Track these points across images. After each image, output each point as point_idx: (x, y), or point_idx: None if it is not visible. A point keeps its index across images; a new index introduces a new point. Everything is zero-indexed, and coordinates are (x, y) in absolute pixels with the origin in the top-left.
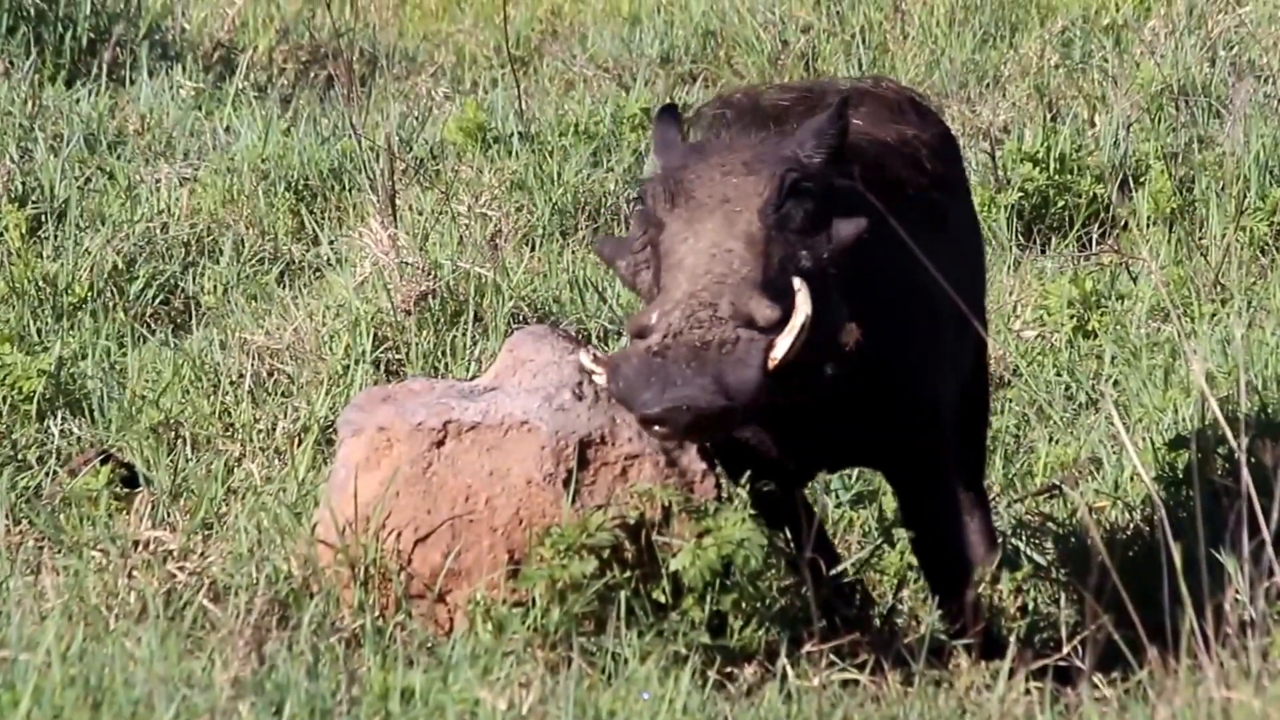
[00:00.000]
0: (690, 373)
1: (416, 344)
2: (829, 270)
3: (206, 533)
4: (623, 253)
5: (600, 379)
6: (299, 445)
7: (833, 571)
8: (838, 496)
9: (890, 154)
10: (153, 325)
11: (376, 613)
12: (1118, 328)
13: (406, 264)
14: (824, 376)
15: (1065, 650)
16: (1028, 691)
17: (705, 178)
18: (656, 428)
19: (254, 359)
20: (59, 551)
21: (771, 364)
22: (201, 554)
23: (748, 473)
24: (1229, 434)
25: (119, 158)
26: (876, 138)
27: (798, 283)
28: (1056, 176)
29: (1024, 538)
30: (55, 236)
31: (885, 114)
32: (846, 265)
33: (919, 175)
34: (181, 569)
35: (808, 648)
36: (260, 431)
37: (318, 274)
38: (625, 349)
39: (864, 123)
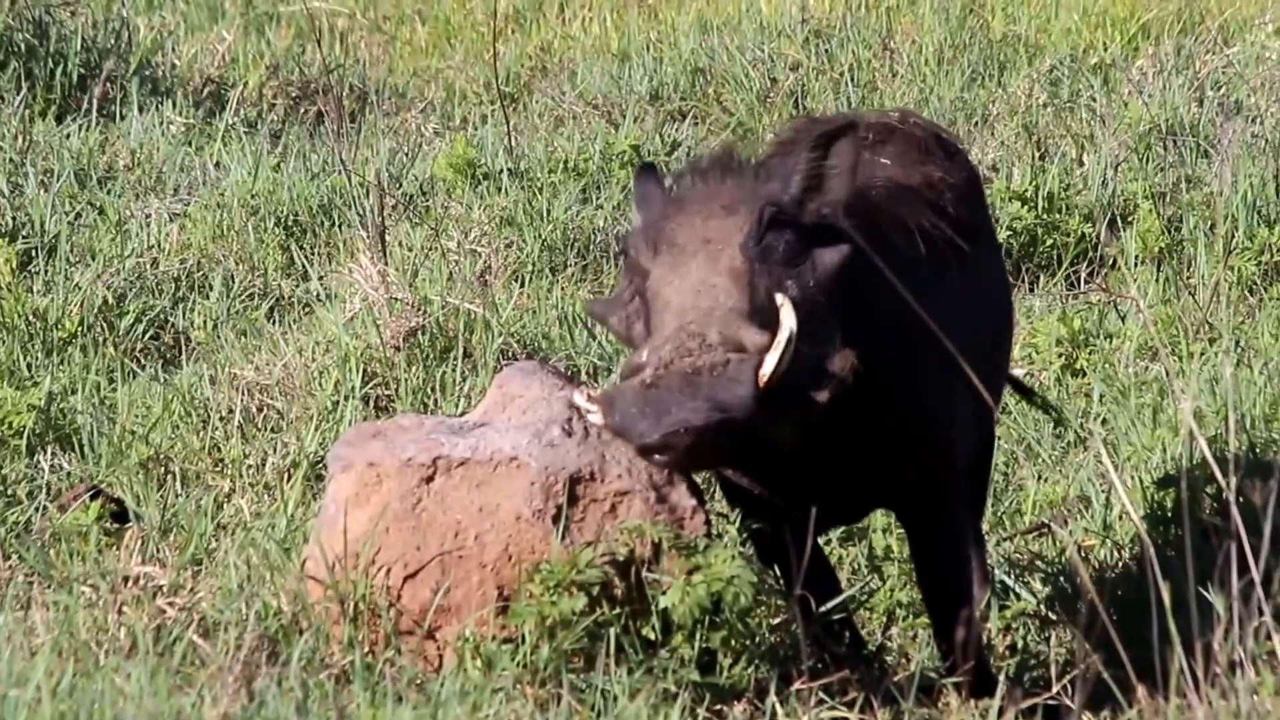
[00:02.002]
0: (684, 397)
1: (406, 380)
2: (817, 298)
3: (196, 568)
4: (614, 309)
5: (595, 417)
6: (288, 481)
7: (825, 607)
8: (827, 534)
9: (916, 200)
10: (143, 360)
11: (366, 649)
12: (1106, 366)
13: (396, 300)
14: (817, 404)
15: (1055, 689)
16: None
17: (686, 224)
18: (657, 456)
19: (244, 394)
20: (49, 587)
21: (762, 380)
22: (191, 590)
23: (747, 509)
24: (1218, 473)
25: (109, 193)
26: (903, 183)
27: (780, 298)
28: (1045, 215)
29: (1013, 576)
30: (45, 271)
31: (914, 154)
32: (836, 293)
33: (944, 221)
34: (171, 605)
35: (797, 685)
36: (250, 467)
37: (307, 309)
38: (619, 384)
39: (891, 162)
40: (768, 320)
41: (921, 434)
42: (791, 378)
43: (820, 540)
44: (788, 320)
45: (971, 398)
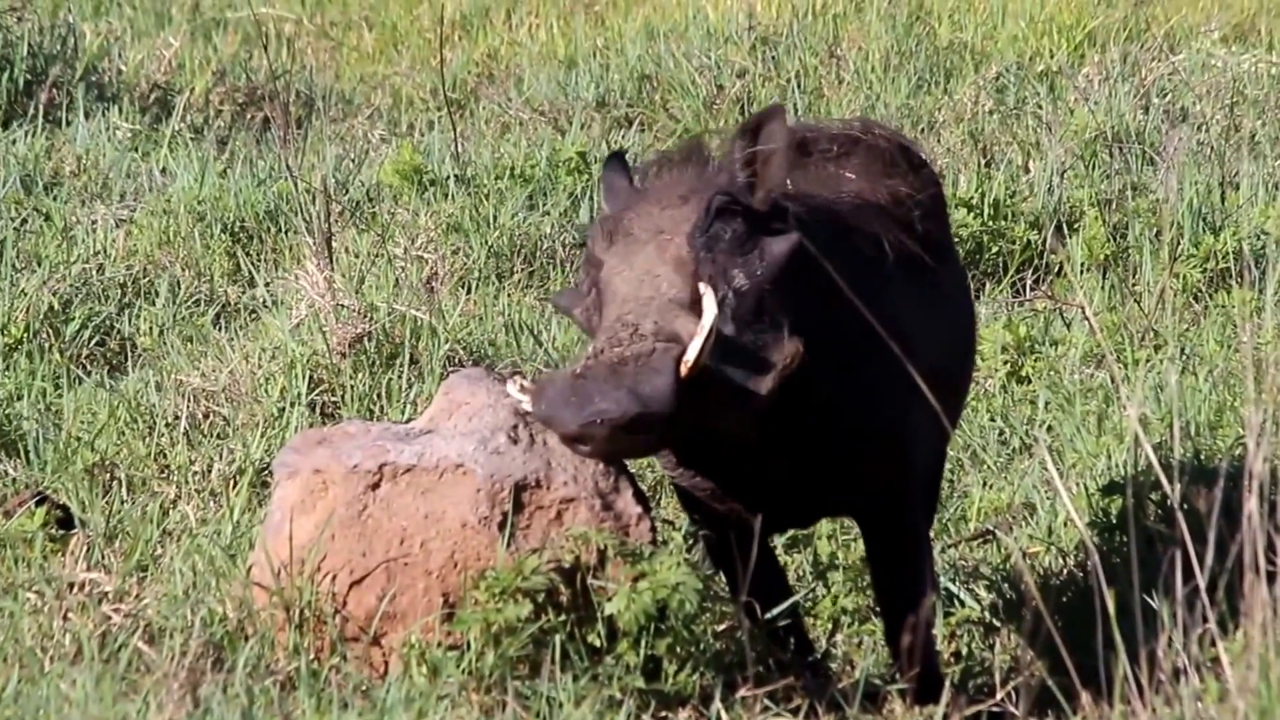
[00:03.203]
0: (607, 387)
1: (352, 386)
2: (764, 287)
3: (141, 575)
4: (577, 301)
5: (526, 404)
6: (234, 487)
7: (768, 615)
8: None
9: (882, 217)
10: (88, 366)
11: (311, 655)
12: (1051, 373)
13: (342, 306)
14: (759, 395)
15: (999, 696)
16: None
17: (643, 214)
18: (580, 445)
19: (190, 401)
20: None
21: (684, 369)
22: (137, 596)
23: (703, 514)
24: (1163, 480)
25: (55, 199)
26: (869, 199)
27: (703, 287)
28: (991, 222)
29: (958, 582)
30: None
31: (879, 167)
32: (785, 283)
33: (911, 238)
34: (116, 611)
35: (742, 692)
36: (196, 473)
37: (253, 316)
38: (550, 373)
39: (857, 176)
40: None
41: (879, 440)
42: (729, 368)
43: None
44: (709, 309)
45: (931, 408)
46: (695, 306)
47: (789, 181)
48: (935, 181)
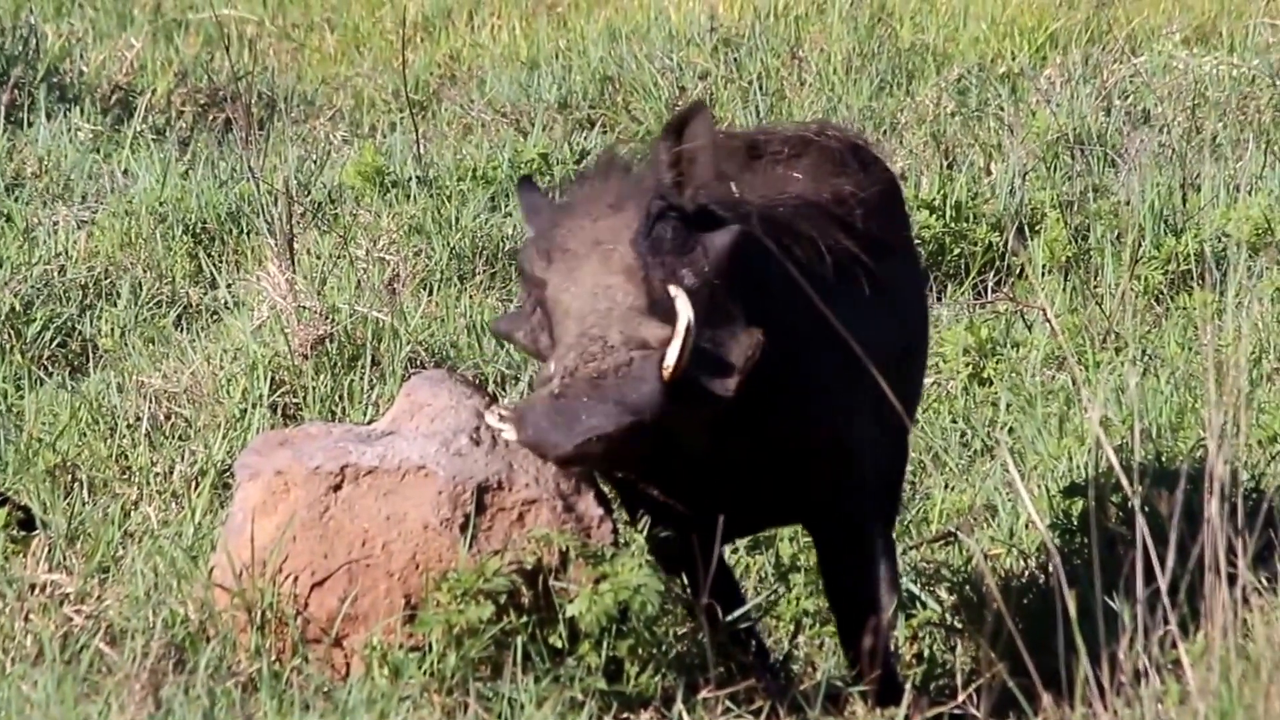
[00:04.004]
0: (592, 403)
1: (314, 388)
2: (714, 282)
3: (103, 576)
4: (519, 324)
5: (510, 434)
6: (196, 489)
7: (729, 617)
8: (734, 542)
9: (823, 216)
10: (50, 368)
11: (273, 657)
12: (1013, 375)
13: (304, 308)
14: (726, 393)
15: (961, 698)
16: None
17: (576, 229)
18: (574, 466)
19: (151, 402)
20: None
21: (667, 373)
22: (98, 597)
23: (647, 518)
24: (1124, 482)
25: (16, 200)
26: (810, 199)
27: (675, 290)
28: (952, 224)
29: (920, 585)
30: None
31: (827, 168)
32: (733, 276)
33: (852, 238)
34: (78, 612)
35: (704, 694)
36: (157, 475)
37: (215, 317)
38: (528, 398)
39: (804, 176)
40: (667, 313)
41: (824, 443)
42: (697, 368)
43: (727, 549)
44: (684, 311)
45: (879, 410)
46: (654, 311)
47: (734, 186)
48: (886, 180)
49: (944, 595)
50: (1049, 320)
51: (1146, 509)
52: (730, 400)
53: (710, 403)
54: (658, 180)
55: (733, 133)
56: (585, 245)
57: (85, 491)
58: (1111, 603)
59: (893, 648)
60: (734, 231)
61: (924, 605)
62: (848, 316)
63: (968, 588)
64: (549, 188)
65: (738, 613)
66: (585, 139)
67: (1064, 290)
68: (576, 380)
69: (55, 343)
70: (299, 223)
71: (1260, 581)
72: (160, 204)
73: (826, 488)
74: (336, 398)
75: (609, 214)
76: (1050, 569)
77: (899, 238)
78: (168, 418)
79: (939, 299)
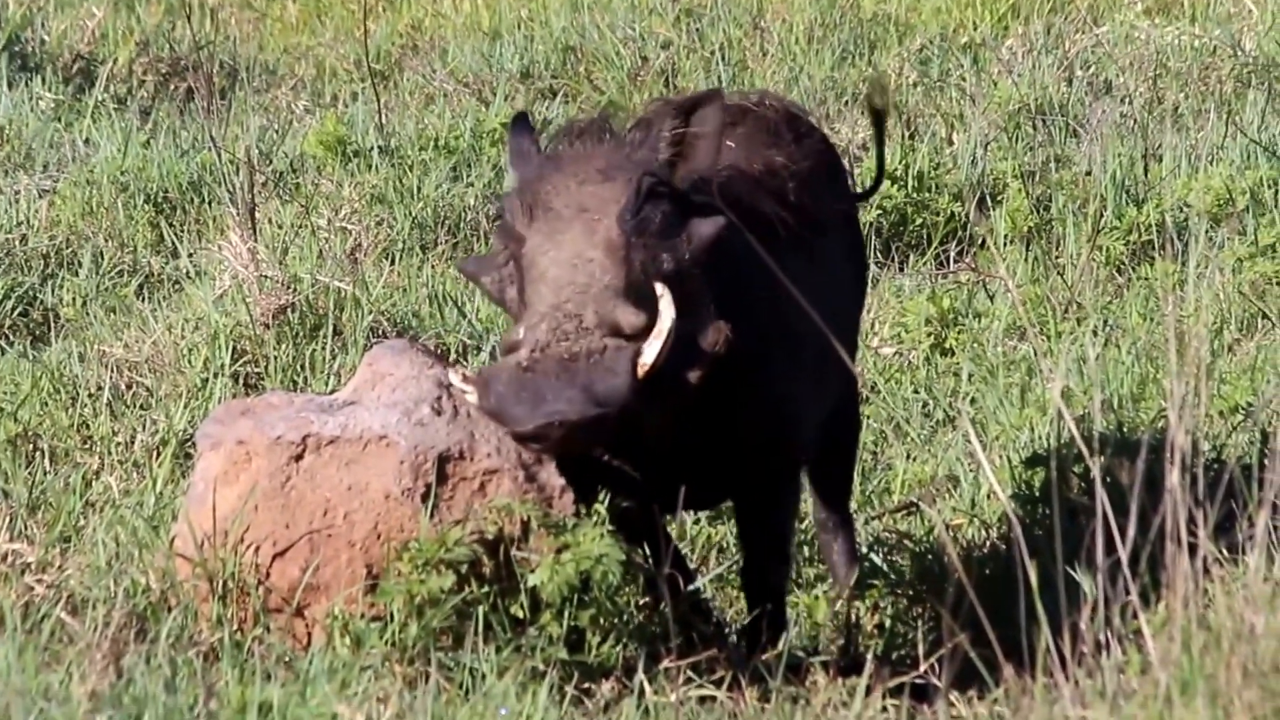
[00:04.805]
0: (560, 385)
1: (275, 357)
2: (692, 270)
3: (64, 545)
4: (487, 269)
5: (471, 397)
6: (157, 458)
7: (690, 587)
8: (695, 512)
9: (754, 188)
10: (11, 337)
11: (235, 626)
12: (975, 346)
13: (266, 277)
14: (691, 385)
15: (922, 668)
16: (884, 709)
17: (562, 188)
18: (531, 443)
19: (113, 372)
20: None
21: (641, 371)
22: (59, 567)
23: (604, 490)
24: (1085, 452)
25: None
26: (743, 171)
27: (660, 288)
28: (914, 194)
29: (881, 555)
30: None
31: (761, 137)
32: (709, 265)
33: (783, 210)
34: (39, 582)
35: (665, 664)
36: (119, 444)
37: (177, 287)
38: (495, 365)
39: (738, 146)
40: (643, 297)
41: (761, 417)
42: (666, 361)
43: (688, 517)
44: (667, 311)
45: (817, 381)
46: (631, 294)
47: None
48: (820, 151)
49: (906, 565)
50: (1010, 290)
51: (1108, 479)
52: (692, 389)
53: (675, 394)
54: (652, 155)
55: (673, 99)
56: (570, 209)
57: (46, 461)
58: (1073, 573)
59: (854, 619)
60: (719, 222)
61: (885, 575)
62: (777, 287)
63: (929, 558)
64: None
65: (699, 582)
66: (548, 109)
67: (1026, 260)
68: (547, 357)
69: (16, 312)
70: (261, 192)
71: (1221, 552)
72: (122, 173)
73: (759, 462)
74: (298, 367)
75: (598, 180)
76: (1012, 539)
77: (832, 211)
78: (129, 387)
79: (901, 269)
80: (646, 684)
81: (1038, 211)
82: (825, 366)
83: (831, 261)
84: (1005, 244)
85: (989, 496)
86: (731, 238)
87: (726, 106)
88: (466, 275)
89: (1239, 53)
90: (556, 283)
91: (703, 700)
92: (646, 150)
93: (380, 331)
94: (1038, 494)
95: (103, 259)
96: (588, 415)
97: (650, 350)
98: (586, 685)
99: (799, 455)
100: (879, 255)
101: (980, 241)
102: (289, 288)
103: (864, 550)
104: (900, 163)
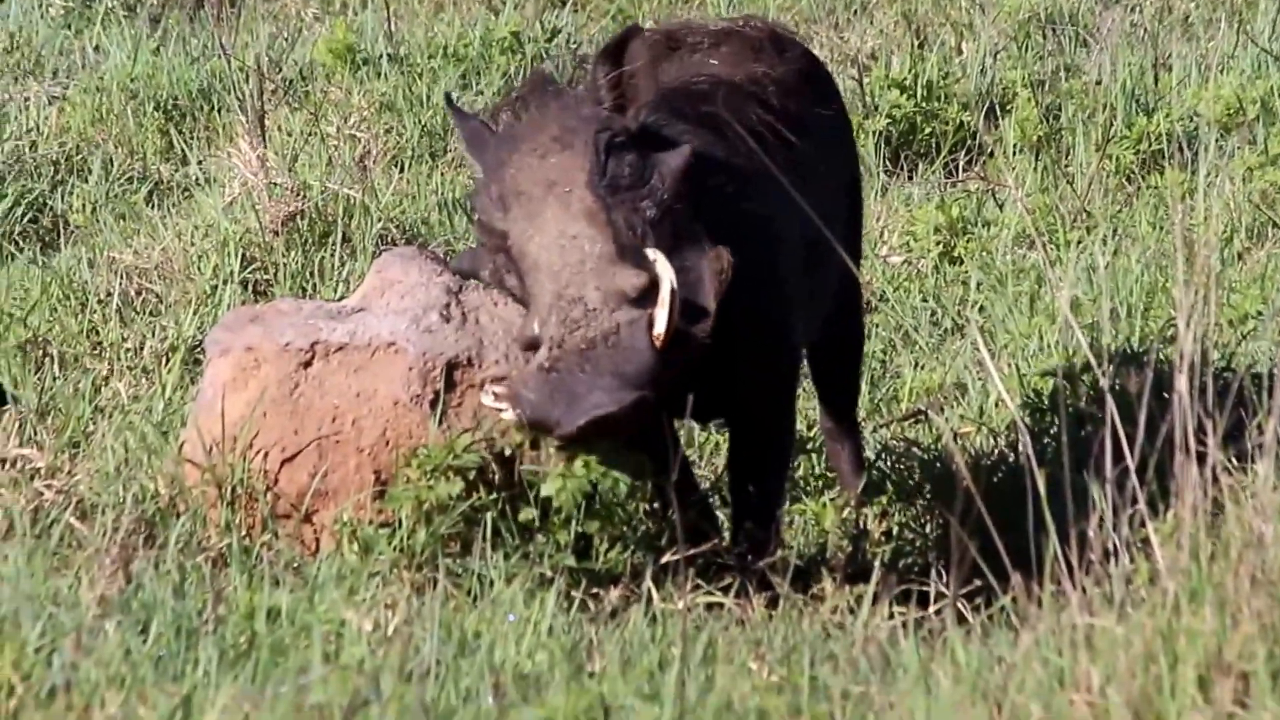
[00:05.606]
0: (588, 378)
1: (285, 264)
2: (674, 206)
3: (74, 451)
4: (481, 263)
5: (507, 414)
6: (166, 365)
7: (696, 496)
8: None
9: (735, 93)
10: (21, 244)
11: (243, 532)
12: (984, 254)
13: (275, 185)
14: (706, 332)
15: (930, 575)
16: (891, 616)
17: (525, 167)
18: (578, 443)
19: (122, 278)
20: None
21: (658, 340)
22: (69, 472)
23: None
24: (1093, 361)
25: None
26: (725, 79)
27: (652, 253)
28: (924, 104)
29: (889, 463)
30: None
31: (745, 54)
32: (689, 194)
33: (766, 113)
34: (49, 487)
35: (667, 557)
36: (128, 350)
37: (186, 194)
38: (519, 373)
39: (720, 62)
40: (639, 255)
41: (754, 331)
42: (684, 309)
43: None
44: (666, 274)
45: (807, 286)
46: (624, 255)
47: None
48: (802, 61)
49: (914, 473)
50: (1019, 200)
51: (1116, 387)
52: (708, 325)
53: (694, 346)
54: (598, 107)
55: (654, 28)
56: (540, 187)
57: (56, 367)
58: (1081, 481)
59: (861, 525)
60: (685, 153)
61: (894, 483)
62: (768, 194)
63: (937, 466)
64: (479, 111)
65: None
66: (557, 18)
67: (1034, 170)
68: (566, 352)
69: (26, 218)
70: (270, 100)
71: (1229, 460)
72: (131, 80)
73: (754, 378)
74: (307, 274)
75: (557, 149)
76: (1020, 447)
77: (821, 119)
78: (139, 293)
79: (910, 178)
80: (654, 590)
81: (1047, 121)
82: (816, 271)
83: (815, 169)
84: (1014, 153)
85: (997, 405)
86: (703, 157)
87: (709, 30)
88: (462, 274)
89: None
90: (550, 269)
91: (710, 607)
92: (592, 104)
93: (389, 239)
94: (1046, 402)
95: (112, 166)
96: (627, 403)
97: (661, 318)
98: (594, 592)
99: (789, 359)
100: (887, 164)
101: (989, 151)
102: (298, 195)
103: (872, 458)
104: (909, 72)
